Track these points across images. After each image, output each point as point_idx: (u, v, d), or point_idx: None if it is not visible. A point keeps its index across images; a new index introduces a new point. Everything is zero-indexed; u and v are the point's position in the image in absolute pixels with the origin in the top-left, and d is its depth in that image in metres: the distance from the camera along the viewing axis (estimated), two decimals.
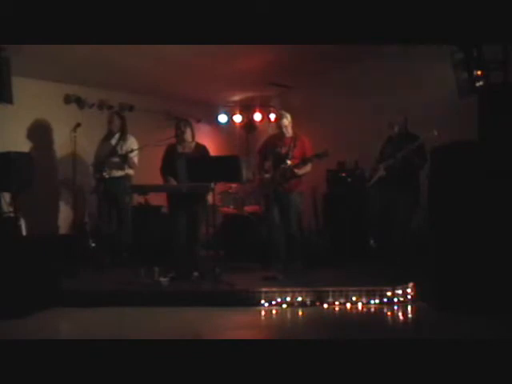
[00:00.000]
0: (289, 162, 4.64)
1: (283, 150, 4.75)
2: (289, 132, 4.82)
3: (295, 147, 4.71)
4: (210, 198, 4.67)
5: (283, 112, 4.94)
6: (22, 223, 4.58)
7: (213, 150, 5.43)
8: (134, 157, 5.25)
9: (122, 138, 5.37)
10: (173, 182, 4.88)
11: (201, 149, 5.04)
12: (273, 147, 4.87)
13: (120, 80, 6.42)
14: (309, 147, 4.76)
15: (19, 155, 4.95)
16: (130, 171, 5.35)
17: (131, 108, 7.03)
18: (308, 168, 4.70)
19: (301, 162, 4.65)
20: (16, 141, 5.97)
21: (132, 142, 5.34)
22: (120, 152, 5.25)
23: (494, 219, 3.51)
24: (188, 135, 5.01)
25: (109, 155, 5.26)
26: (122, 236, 5.33)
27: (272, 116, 6.73)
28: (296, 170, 4.62)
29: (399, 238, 4.50)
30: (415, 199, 4.45)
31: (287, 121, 4.80)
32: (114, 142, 5.35)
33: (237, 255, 5.67)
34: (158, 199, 5.41)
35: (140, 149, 5.18)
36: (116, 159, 5.23)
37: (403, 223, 4.49)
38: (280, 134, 4.86)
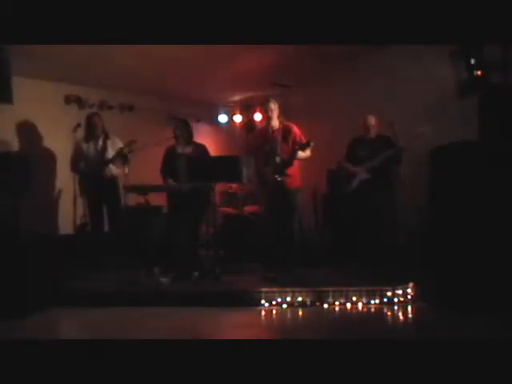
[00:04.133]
0: (278, 158, 4.55)
1: (272, 146, 4.59)
2: (275, 118, 4.64)
3: (285, 141, 4.57)
4: (210, 197, 4.68)
5: (270, 98, 4.74)
6: (22, 223, 4.59)
7: (213, 150, 5.43)
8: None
9: (107, 138, 5.36)
10: (172, 183, 4.88)
11: (200, 148, 5.05)
12: (261, 144, 4.72)
13: (120, 80, 6.43)
14: (300, 136, 4.60)
15: (19, 155, 4.96)
16: (119, 171, 5.35)
17: (131, 108, 7.04)
18: (305, 154, 4.51)
19: (290, 155, 4.50)
20: (16, 141, 5.98)
21: (118, 142, 5.33)
22: (109, 151, 5.25)
23: (494, 219, 3.51)
24: (186, 135, 5.01)
25: (100, 156, 5.26)
26: (118, 236, 5.33)
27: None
28: (300, 153, 4.45)
29: (394, 237, 4.66)
30: (395, 198, 4.68)
31: (273, 105, 4.62)
32: (100, 142, 5.35)
33: (237, 255, 5.66)
34: (158, 199, 5.41)
35: (140, 149, 5.18)
36: (116, 159, 5.22)
37: (393, 221, 4.67)
38: (267, 128, 4.70)
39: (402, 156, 4.58)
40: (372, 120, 4.81)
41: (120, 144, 5.29)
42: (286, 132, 4.61)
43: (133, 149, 5.14)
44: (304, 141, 4.49)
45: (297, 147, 4.46)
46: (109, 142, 5.34)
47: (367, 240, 4.83)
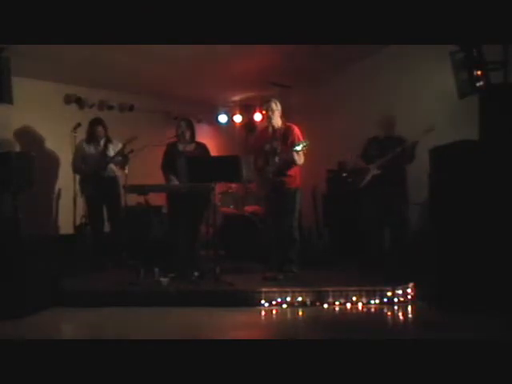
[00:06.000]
0: (277, 158, 4.53)
1: (272, 145, 4.59)
2: (277, 118, 4.63)
3: (285, 141, 4.55)
4: (210, 197, 4.68)
5: (271, 98, 4.74)
6: (22, 223, 4.58)
7: (213, 149, 5.44)
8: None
9: (109, 141, 5.41)
10: (174, 180, 4.88)
11: (201, 148, 5.06)
12: (262, 143, 4.71)
13: (120, 80, 6.43)
14: (299, 138, 4.54)
15: (19, 155, 4.96)
16: (119, 171, 5.37)
17: (131, 108, 7.04)
18: (299, 161, 4.47)
19: (288, 157, 4.45)
20: (16, 141, 5.99)
21: (119, 145, 5.36)
22: (110, 154, 5.31)
23: (495, 219, 3.51)
24: (189, 134, 5.02)
25: (101, 156, 5.28)
26: (119, 236, 5.34)
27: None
28: (295, 158, 4.41)
29: (401, 234, 4.66)
30: (406, 195, 4.68)
31: (275, 105, 4.61)
32: (101, 144, 5.37)
33: (237, 255, 5.67)
34: (158, 199, 5.42)
35: (141, 149, 5.18)
36: (118, 160, 5.24)
37: (403, 219, 4.67)
38: (268, 127, 4.69)
39: (413, 154, 4.54)
40: (394, 119, 4.83)
41: (120, 146, 5.32)
42: (286, 132, 4.61)
43: (133, 149, 5.15)
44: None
45: (291, 148, 4.42)
46: (111, 146, 5.36)
47: (375, 238, 4.82)
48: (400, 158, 4.57)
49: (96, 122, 5.43)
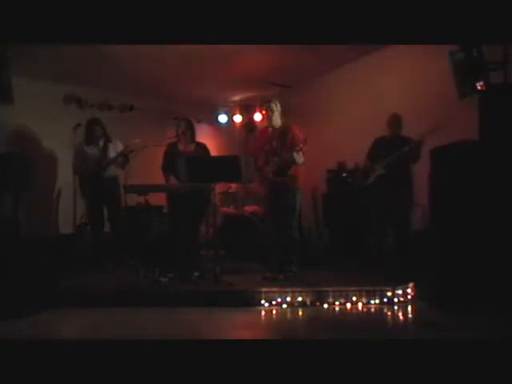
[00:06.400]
0: (277, 158, 4.49)
1: (272, 145, 4.58)
2: (277, 118, 4.60)
3: (285, 141, 4.51)
4: (210, 197, 4.68)
5: (271, 98, 4.73)
6: (22, 223, 4.59)
7: (213, 149, 5.43)
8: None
9: (108, 141, 5.40)
10: (174, 180, 4.88)
11: (201, 148, 5.05)
12: (262, 143, 4.70)
13: (120, 80, 6.43)
14: (298, 137, 4.45)
15: (19, 155, 4.97)
16: (119, 171, 5.38)
17: (131, 108, 7.04)
18: (299, 160, 4.36)
19: (288, 157, 4.40)
20: (16, 141, 5.98)
21: (119, 145, 5.39)
22: (111, 154, 5.30)
23: (495, 219, 3.51)
24: (189, 134, 5.02)
25: (103, 157, 5.29)
26: (119, 236, 5.33)
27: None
28: (295, 155, 4.31)
29: (403, 234, 4.67)
30: (411, 195, 4.68)
31: (275, 105, 4.58)
32: (101, 144, 5.38)
33: (237, 255, 5.67)
34: (158, 199, 5.42)
35: (141, 149, 5.18)
36: (119, 160, 5.24)
37: (405, 219, 4.69)
38: (268, 127, 4.68)
39: (419, 153, 4.53)
40: (401, 118, 4.84)
41: (121, 147, 5.32)
42: (286, 132, 4.60)
43: (133, 149, 5.14)
44: (300, 143, 4.44)
45: (291, 148, 4.40)
46: (111, 146, 5.36)
47: (375, 238, 4.82)
48: (406, 158, 4.59)
49: (93, 123, 5.42)
